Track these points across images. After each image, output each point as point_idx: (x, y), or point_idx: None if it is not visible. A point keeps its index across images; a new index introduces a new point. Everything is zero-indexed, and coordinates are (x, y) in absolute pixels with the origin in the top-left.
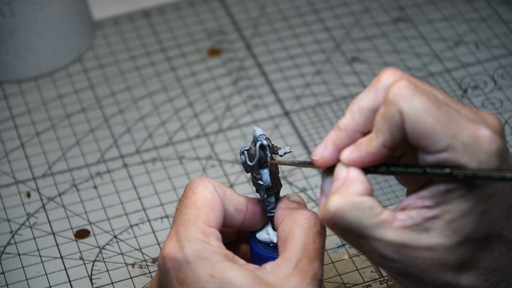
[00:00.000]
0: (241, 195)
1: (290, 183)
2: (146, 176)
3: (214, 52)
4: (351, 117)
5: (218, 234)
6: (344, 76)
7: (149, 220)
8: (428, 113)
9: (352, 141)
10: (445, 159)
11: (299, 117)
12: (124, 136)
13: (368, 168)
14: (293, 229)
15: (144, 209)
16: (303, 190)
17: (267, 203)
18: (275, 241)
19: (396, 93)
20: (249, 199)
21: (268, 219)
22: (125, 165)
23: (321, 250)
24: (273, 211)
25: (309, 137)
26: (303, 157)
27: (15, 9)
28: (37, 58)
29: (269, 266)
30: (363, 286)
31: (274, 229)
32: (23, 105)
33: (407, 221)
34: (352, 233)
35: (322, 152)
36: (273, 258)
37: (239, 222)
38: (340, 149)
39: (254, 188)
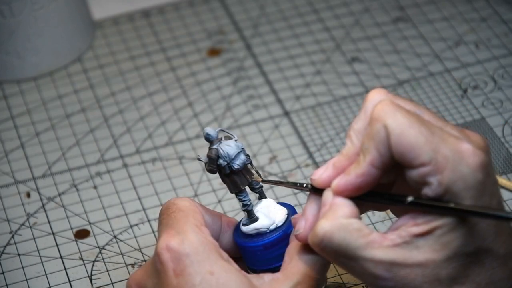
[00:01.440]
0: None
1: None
2: (146, 176)
3: (214, 52)
4: (350, 143)
5: (209, 232)
6: (344, 76)
7: (149, 220)
8: (411, 127)
9: (352, 164)
10: (427, 173)
11: (299, 117)
12: (124, 136)
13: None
14: (302, 255)
15: (144, 209)
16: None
17: (238, 200)
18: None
19: (380, 110)
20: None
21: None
22: (125, 165)
23: (322, 281)
24: (247, 206)
25: (309, 137)
26: (303, 157)
27: (14, 9)
28: (36, 58)
29: (267, 277)
30: (363, 286)
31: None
32: (23, 105)
33: (396, 239)
34: (342, 256)
35: (321, 174)
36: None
37: (217, 232)
38: (339, 173)
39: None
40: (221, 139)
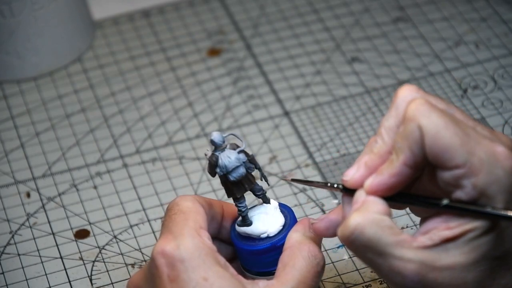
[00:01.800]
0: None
1: (290, 183)
2: (146, 176)
3: (214, 52)
4: (381, 140)
5: (208, 235)
6: (344, 76)
7: (149, 220)
8: (447, 128)
9: (384, 163)
10: (462, 175)
11: (299, 117)
12: (124, 136)
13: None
14: (297, 259)
15: (144, 209)
16: (303, 190)
17: (235, 204)
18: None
19: (414, 109)
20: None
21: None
22: (125, 165)
23: None
24: (241, 212)
25: (309, 137)
26: (303, 157)
27: (14, 9)
28: (36, 58)
29: (262, 283)
30: (363, 286)
31: (247, 222)
32: (23, 105)
33: (426, 241)
34: (371, 251)
35: (353, 174)
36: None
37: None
38: (371, 172)
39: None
40: (226, 146)
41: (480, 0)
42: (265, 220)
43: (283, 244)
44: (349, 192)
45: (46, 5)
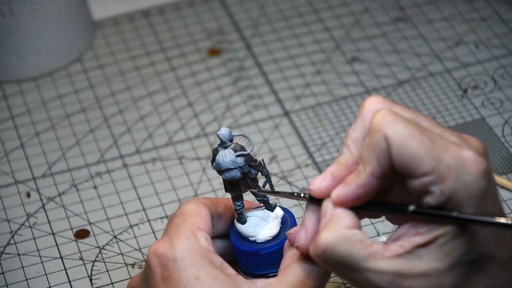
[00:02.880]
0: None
1: (290, 183)
2: (146, 176)
3: (214, 52)
4: (348, 151)
5: (207, 235)
6: (344, 76)
7: (149, 220)
8: (413, 137)
9: (350, 174)
10: (430, 182)
11: (299, 117)
12: (124, 136)
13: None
14: (300, 261)
15: (144, 209)
16: (303, 190)
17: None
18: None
19: (380, 120)
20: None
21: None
22: (125, 165)
23: None
24: (236, 210)
25: (309, 137)
26: (303, 157)
27: (14, 9)
28: (36, 58)
29: (260, 283)
30: None
31: (241, 220)
32: (23, 105)
33: (398, 250)
34: (345, 267)
35: (319, 183)
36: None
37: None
38: (338, 182)
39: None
40: (231, 145)
41: (480, 0)
42: (258, 225)
43: (267, 254)
44: (314, 201)
45: (46, 5)
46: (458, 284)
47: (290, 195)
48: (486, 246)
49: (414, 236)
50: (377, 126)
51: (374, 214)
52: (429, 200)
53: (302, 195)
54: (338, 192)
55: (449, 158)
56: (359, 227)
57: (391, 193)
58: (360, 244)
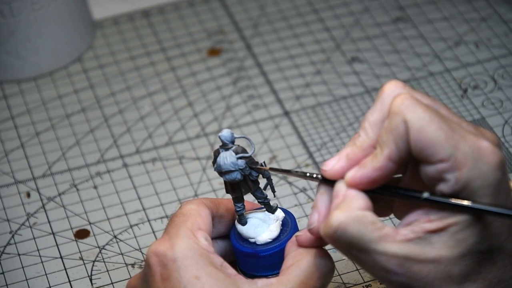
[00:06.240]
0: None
1: (290, 183)
2: (146, 176)
3: (214, 52)
4: (364, 134)
5: (207, 236)
6: (344, 76)
7: (149, 220)
8: (432, 122)
9: (366, 157)
10: (446, 169)
11: (299, 117)
12: (124, 136)
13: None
14: (304, 259)
15: (144, 209)
16: (303, 190)
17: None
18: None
19: (400, 103)
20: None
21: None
22: (125, 165)
23: None
24: (237, 211)
25: (309, 137)
26: (303, 157)
27: (14, 9)
28: (36, 58)
29: (261, 282)
30: (363, 286)
31: (242, 221)
32: (23, 105)
33: (409, 234)
34: (355, 248)
35: (333, 165)
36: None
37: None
38: (352, 164)
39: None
40: (232, 147)
41: (480, 0)
42: (259, 227)
43: (267, 256)
44: (327, 182)
45: (46, 5)
46: (467, 273)
47: (302, 175)
48: (498, 238)
49: (425, 222)
50: (397, 110)
51: (381, 212)
52: (443, 187)
53: (314, 175)
54: (353, 174)
55: (467, 146)
56: (372, 210)
57: (401, 183)
58: (372, 226)
